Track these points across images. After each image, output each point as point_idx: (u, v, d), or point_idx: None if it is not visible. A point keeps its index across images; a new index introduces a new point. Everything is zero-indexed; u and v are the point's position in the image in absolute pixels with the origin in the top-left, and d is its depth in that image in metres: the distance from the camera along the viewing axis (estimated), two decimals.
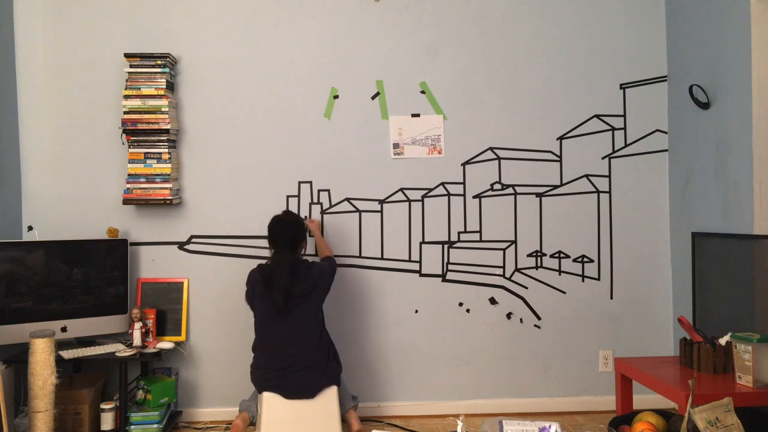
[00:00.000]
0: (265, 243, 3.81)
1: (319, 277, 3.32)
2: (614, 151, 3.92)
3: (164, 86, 3.61)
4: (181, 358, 3.77)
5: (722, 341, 2.81)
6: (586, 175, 3.92)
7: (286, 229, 3.38)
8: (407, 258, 3.88)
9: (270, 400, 3.19)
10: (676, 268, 3.87)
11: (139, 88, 3.62)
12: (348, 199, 3.85)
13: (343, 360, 3.83)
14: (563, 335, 3.91)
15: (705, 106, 3.49)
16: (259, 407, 3.28)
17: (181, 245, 3.79)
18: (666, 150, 3.92)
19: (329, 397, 3.23)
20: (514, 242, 3.90)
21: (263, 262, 3.41)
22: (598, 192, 3.92)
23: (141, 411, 3.43)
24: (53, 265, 3.47)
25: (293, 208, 3.83)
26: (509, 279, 3.90)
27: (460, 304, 3.89)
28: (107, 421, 3.40)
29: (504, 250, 3.90)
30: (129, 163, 3.64)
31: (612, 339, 3.92)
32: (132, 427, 3.39)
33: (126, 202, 3.63)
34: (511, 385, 3.89)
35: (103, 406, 3.40)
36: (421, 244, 3.88)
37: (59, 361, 3.09)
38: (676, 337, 3.87)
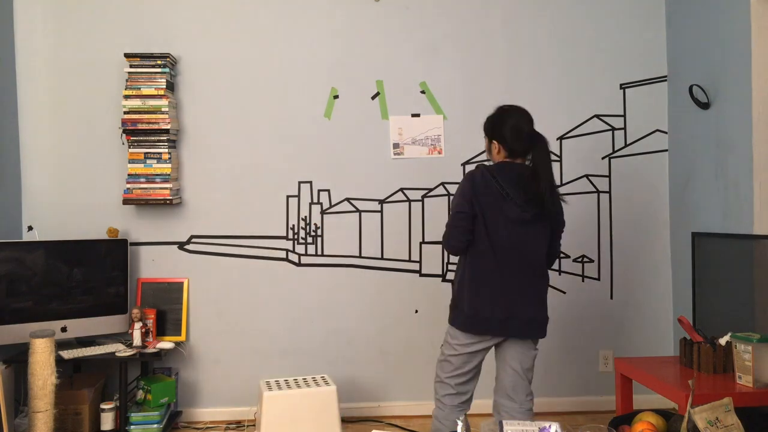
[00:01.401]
0: (265, 243, 3.81)
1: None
2: (614, 151, 3.92)
3: (164, 86, 3.61)
4: (181, 358, 3.77)
5: (722, 341, 2.80)
6: (586, 175, 3.92)
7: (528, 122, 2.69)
8: (407, 258, 3.88)
9: (270, 399, 3.18)
10: (676, 268, 3.87)
11: (139, 88, 3.62)
12: (348, 199, 3.85)
13: (344, 360, 3.83)
14: (563, 335, 3.91)
15: (705, 106, 3.49)
16: (258, 407, 3.28)
17: (181, 245, 3.79)
18: (666, 150, 3.92)
19: (329, 395, 3.22)
20: None
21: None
22: (598, 192, 3.92)
23: (141, 411, 3.43)
24: (53, 265, 3.47)
25: (293, 208, 3.83)
26: None
27: None
28: (107, 421, 3.40)
29: None
30: (129, 163, 3.64)
31: (612, 339, 3.92)
32: (132, 427, 3.39)
33: (126, 202, 3.63)
34: None
35: (103, 406, 3.41)
36: (421, 244, 3.88)
37: (59, 361, 3.09)
38: (676, 337, 3.87)
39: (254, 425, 3.63)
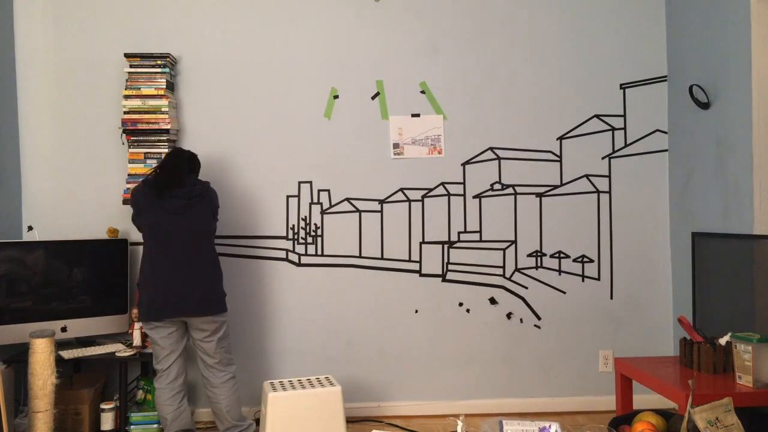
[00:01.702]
0: (265, 243, 3.81)
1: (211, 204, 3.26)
2: (614, 151, 3.92)
3: (164, 86, 3.61)
4: None
5: (722, 341, 2.81)
6: (586, 175, 3.92)
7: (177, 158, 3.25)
8: (407, 258, 3.88)
9: (275, 400, 3.18)
10: (676, 268, 3.87)
11: (139, 88, 3.62)
12: (348, 199, 3.85)
13: (344, 360, 3.83)
14: (563, 335, 3.91)
15: (705, 106, 3.49)
16: (263, 407, 3.28)
17: None
18: (666, 150, 3.92)
19: (334, 395, 3.21)
20: (514, 242, 3.90)
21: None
22: (598, 192, 3.92)
23: (141, 411, 3.43)
24: (53, 265, 3.47)
25: (293, 208, 3.83)
26: (509, 279, 3.90)
27: (460, 304, 3.89)
28: (107, 421, 3.40)
29: (504, 250, 3.90)
30: (129, 163, 3.64)
31: (612, 339, 3.92)
32: (132, 427, 3.39)
33: (126, 202, 3.63)
34: (511, 385, 3.89)
35: (103, 406, 3.41)
36: (421, 244, 3.88)
37: (59, 361, 3.09)
38: (676, 337, 3.87)
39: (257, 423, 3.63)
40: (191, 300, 3.08)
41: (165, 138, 3.64)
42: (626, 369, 2.99)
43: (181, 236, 3.10)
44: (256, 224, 3.81)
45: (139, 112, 3.61)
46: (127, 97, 3.62)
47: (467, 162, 3.88)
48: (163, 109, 3.61)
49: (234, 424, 3.26)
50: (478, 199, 3.88)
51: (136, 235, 3.76)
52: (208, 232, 3.21)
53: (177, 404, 3.18)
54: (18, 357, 3.32)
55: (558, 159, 3.90)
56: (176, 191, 3.11)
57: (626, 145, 3.92)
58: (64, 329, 3.45)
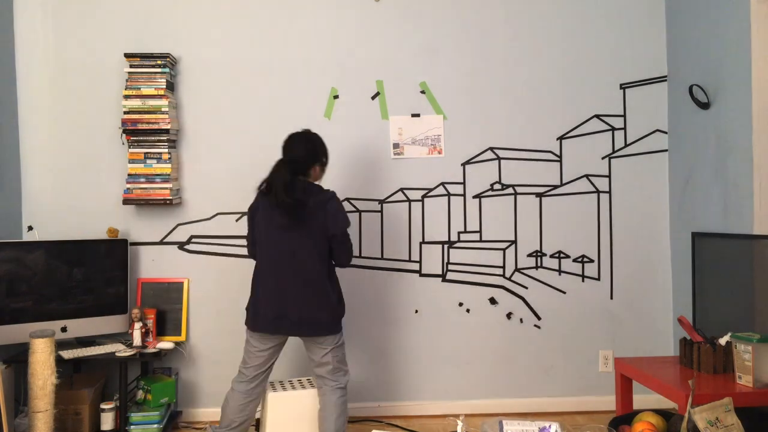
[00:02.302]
0: None
1: (333, 211, 2.95)
2: (614, 151, 3.92)
3: (164, 86, 3.61)
4: (181, 358, 3.77)
5: (722, 341, 2.80)
6: (586, 175, 3.92)
7: (290, 144, 3.04)
8: (407, 258, 3.88)
9: (274, 400, 3.19)
10: (676, 268, 3.87)
11: (139, 88, 3.62)
12: (348, 199, 3.85)
13: None
14: (563, 335, 3.91)
15: (705, 106, 3.49)
16: (263, 407, 3.28)
17: (181, 245, 3.79)
18: (666, 150, 3.92)
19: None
20: (514, 242, 3.90)
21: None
22: (598, 192, 3.92)
23: (141, 411, 3.43)
24: (53, 265, 3.47)
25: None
26: (509, 279, 3.90)
27: (460, 304, 3.89)
28: (107, 421, 3.40)
29: (504, 250, 3.90)
30: (129, 163, 3.64)
31: (612, 339, 3.92)
32: (132, 427, 3.39)
33: (126, 202, 3.63)
34: (511, 385, 3.89)
35: (103, 406, 3.41)
36: (421, 244, 3.88)
37: (59, 361, 3.09)
38: (676, 337, 3.87)
39: (255, 425, 3.63)
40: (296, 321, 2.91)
41: (165, 138, 3.64)
42: (626, 369, 2.99)
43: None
44: None
45: (139, 112, 3.61)
46: (127, 97, 3.62)
47: (467, 162, 3.88)
48: (163, 109, 3.61)
49: None
50: (478, 199, 3.88)
51: (136, 235, 3.77)
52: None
53: (249, 411, 3.03)
54: (18, 357, 3.32)
55: (558, 159, 3.90)
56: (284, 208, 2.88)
57: (626, 145, 3.92)
58: (64, 329, 3.45)
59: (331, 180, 3.83)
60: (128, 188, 3.63)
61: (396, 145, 3.85)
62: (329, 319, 2.94)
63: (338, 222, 2.95)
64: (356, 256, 3.85)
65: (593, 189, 3.92)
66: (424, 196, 3.87)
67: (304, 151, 3.04)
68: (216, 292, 3.80)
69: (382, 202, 3.86)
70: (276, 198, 2.88)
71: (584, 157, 3.91)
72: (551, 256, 3.91)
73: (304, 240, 2.89)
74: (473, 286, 3.89)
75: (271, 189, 2.91)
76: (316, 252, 2.91)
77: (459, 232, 3.89)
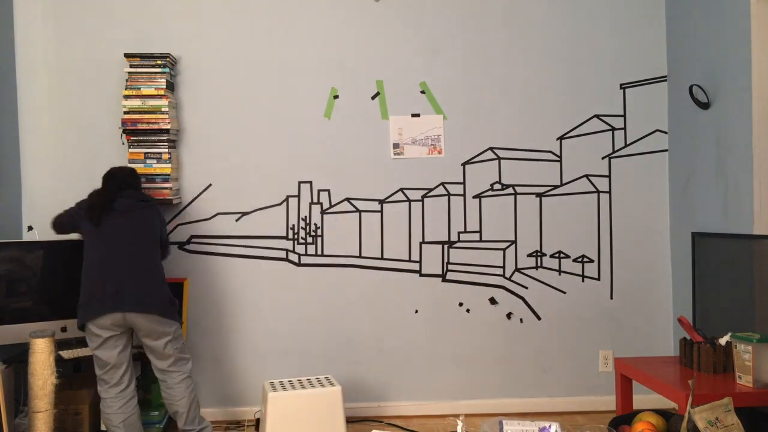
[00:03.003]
0: (265, 243, 3.81)
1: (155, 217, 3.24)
2: (614, 151, 3.92)
3: (164, 86, 3.61)
4: None
5: (722, 341, 2.80)
6: (586, 175, 3.92)
7: (112, 177, 3.25)
8: (407, 258, 3.88)
9: (275, 400, 3.18)
10: (676, 268, 3.87)
11: (139, 88, 3.61)
12: (348, 199, 3.85)
13: (344, 360, 3.83)
14: (563, 335, 3.91)
15: (705, 106, 3.49)
16: (263, 407, 3.28)
17: (181, 245, 3.79)
18: (666, 150, 3.92)
19: (334, 395, 3.21)
20: (514, 242, 3.90)
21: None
22: (598, 192, 3.92)
23: (141, 411, 3.42)
24: (53, 265, 3.46)
25: (293, 208, 3.83)
26: (509, 279, 3.90)
27: (460, 304, 3.89)
28: None
29: (504, 250, 3.90)
30: (129, 163, 3.64)
31: (612, 339, 3.92)
32: None
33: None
34: (511, 385, 3.89)
35: None
36: (421, 244, 3.88)
37: (59, 361, 3.09)
38: (676, 337, 3.87)
39: (254, 425, 3.63)
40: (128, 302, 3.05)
41: (165, 138, 3.64)
42: (626, 369, 2.99)
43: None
44: (256, 224, 3.81)
45: (139, 112, 3.61)
46: (127, 97, 3.62)
47: (467, 162, 3.88)
48: (163, 109, 3.61)
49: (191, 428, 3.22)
50: (478, 199, 3.88)
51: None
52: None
53: (130, 411, 3.13)
54: (18, 357, 3.31)
55: (558, 159, 3.90)
56: (110, 215, 3.12)
57: (626, 145, 3.92)
58: (64, 329, 3.44)
59: (331, 180, 3.84)
60: None
61: (396, 145, 3.85)
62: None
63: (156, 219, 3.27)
64: (356, 256, 3.85)
65: (593, 189, 3.92)
66: (424, 196, 3.87)
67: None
68: (216, 292, 3.79)
69: (382, 202, 3.86)
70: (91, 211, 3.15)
71: (584, 157, 3.91)
72: (551, 256, 3.91)
73: None
74: (473, 286, 3.89)
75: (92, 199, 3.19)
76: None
77: (459, 232, 3.89)
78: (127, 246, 3.11)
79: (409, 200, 3.87)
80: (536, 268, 3.91)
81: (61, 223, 3.28)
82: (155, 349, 3.12)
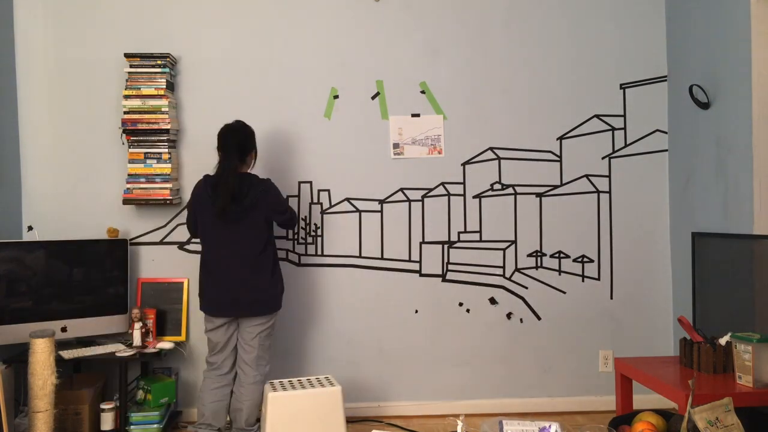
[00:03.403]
0: None
1: (263, 194, 3.20)
2: (614, 151, 3.92)
3: (164, 86, 3.61)
4: (181, 358, 3.77)
5: (722, 341, 2.80)
6: (586, 175, 3.92)
7: (235, 135, 3.25)
8: (407, 258, 3.88)
9: (275, 400, 3.17)
10: (676, 268, 3.87)
11: (139, 88, 3.62)
12: (348, 199, 3.85)
13: (344, 360, 3.84)
14: (563, 335, 3.91)
15: (705, 106, 3.49)
16: (263, 407, 3.28)
17: (181, 245, 3.79)
18: (666, 150, 3.92)
19: (334, 395, 3.21)
20: (514, 242, 3.90)
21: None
22: (598, 192, 3.92)
23: (141, 411, 3.43)
24: (53, 265, 3.47)
25: (293, 208, 3.83)
26: (509, 279, 3.90)
27: (460, 304, 3.89)
28: (107, 421, 3.40)
29: (504, 250, 3.90)
30: (129, 163, 3.64)
31: (612, 339, 3.92)
32: (132, 427, 3.39)
33: (126, 202, 3.63)
34: (511, 385, 3.89)
35: (103, 406, 3.40)
36: (421, 244, 3.88)
37: (59, 361, 3.09)
38: (676, 337, 3.87)
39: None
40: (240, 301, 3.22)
41: (165, 138, 3.64)
42: (626, 369, 2.99)
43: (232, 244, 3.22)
44: None
45: (139, 112, 3.61)
46: (127, 97, 3.62)
47: (467, 162, 3.88)
48: (163, 109, 3.61)
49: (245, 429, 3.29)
50: (478, 199, 3.88)
51: (136, 235, 3.76)
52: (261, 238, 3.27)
53: (221, 396, 3.28)
54: (18, 357, 3.32)
55: (558, 159, 3.90)
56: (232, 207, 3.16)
57: (626, 145, 3.92)
58: (64, 329, 3.45)
59: (331, 180, 3.84)
60: (128, 188, 3.63)
61: (396, 145, 3.85)
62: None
63: (279, 207, 3.30)
64: (356, 256, 3.86)
65: (593, 189, 3.92)
66: (424, 196, 3.87)
67: (243, 141, 3.28)
68: None
69: (382, 202, 3.86)
70: (221, 205, 3.13)
71: (584, 157, 3.91)
72: (551, 256, 3.91)
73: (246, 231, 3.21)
74: (473, 286, 3.89)
75: (217, 193, 3.15)
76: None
77: (459, 232, 3.89)
78: (243, 246, 3.19)
79: (409, 200, 3.87)
80: (536, 268, 3.91)
81: (189, 224, 3.34)
82: (245, 338, 3.27)
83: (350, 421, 3.69)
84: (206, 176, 3.28)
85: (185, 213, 3.78)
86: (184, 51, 3.79)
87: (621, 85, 3.92)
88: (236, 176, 3.16)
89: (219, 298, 3.20)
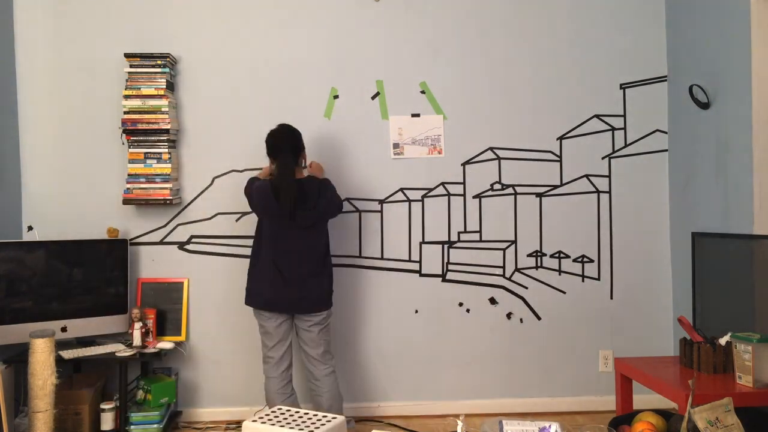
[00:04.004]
0: None
1: (324, 196, 3.28)
2: (614, 151, 3.92)
3: (164, 86, 3.61)
4: (181, 358, 3.77)
5: (722, 341, 2.80)
6: (586, 175, 3.92)
7: (288, 138, 3.29)
8: (407, 258, 3.88)
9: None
10: (676, 268, 3.87)
11: (139, 88, 3.62)
12: (348, 199, 3.85)
13: (344, 360, 3.84)
14: (563, 335, 3.91)
15: (705, 106, 3.49)
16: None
17: (181, 245, 3.79)
18: (666, 150, 3.92)
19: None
20: (514, 242, 3.90)
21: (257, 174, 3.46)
22: (598, 192, 3.92)
23: (141, 411, 3.43)
24: (53, 265, 3.47)
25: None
26: (509, 279, 3.90)
27: (460, 304, 3.89)
28: (107, 421, 3.40)
29: (504, 250, 3.90)
30: (129, 163, 3.64)
31: (612, 339, 3.92)
32: (132, 427, 3.39)
33: (126, 202, 3.64)
34: (511, 385, 3.89)
35: (103, 406, 3.41)
36: (421, 244, 3.88)
37: (59, 361, 3.09)
38: (676, 337, 3.87)
39: None
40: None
41: (165, 138, 3.64)
42: (626, 369, 2.99)
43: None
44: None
45: (139, 112, 3.61)
46: (127, 97, 3.62)
47: (467, 162, 3.88)
48: (163, 109, 3.61)
49: None
50: (478, 199, 3.88)
51: (136, 235, 3.76)
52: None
53: (290, 392, 3.32)
54: (18, 357, 3.32)
55: (558, 159, 3.90)
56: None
57: (626, 145, 3.92)
58: (64, 329, 3.45)
59: (331, 180, 3.83)
60: (128, 188, 3.63)
61: (396, 145, 3.85)
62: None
63: (336, 208, 3.40)
64: (356, 256, 3.86)
65: (593, 189, 3.92)
66: (424, 196, 3.87)
67: (296, 143, 3.33)
68: (216, 292, 3.80)
69: (382, 202, 3.86)
70: (287, 210, 3.17)
71: (584, 157, 3.91)
72: (551, 256, 3.91)
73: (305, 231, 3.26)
74: (473, 286, 3.89)
75: (279, 195, 3.17)
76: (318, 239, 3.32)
77: (459, 232, 3.89)
78: (304, 246, 3.25)
79: (409, 200, 3.87)
80: (536, 268, 3.91)
81: (251, 191, 3.34)
82: (307, 336, 3.30)
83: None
84: (254, 179, 3.38)
85: (185, 213, 3.79)
86: (184, 51, 3.79)
87: (621, 85, 3.92)
88: (298, 181, 3.22)
89: (276, 296, 3.23)
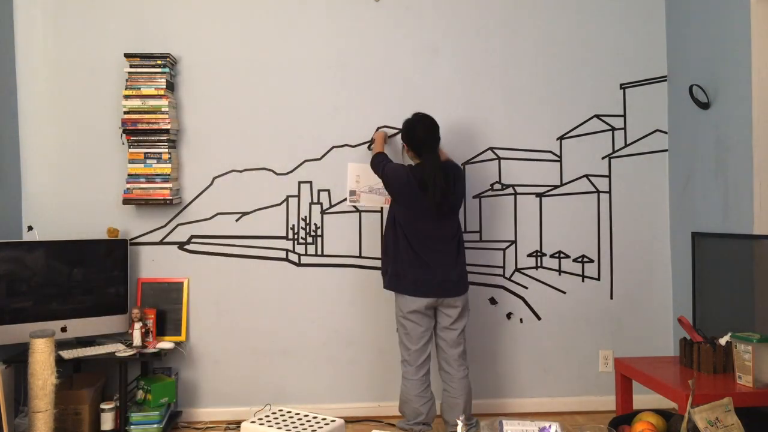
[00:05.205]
0: (265, 243, 3.81)
1: (461, 184, 3.43)
2: (614, 151, 3.92)
3: (164, 86, 3.61)
4: (181, 358, 3.77)
5: (722, 341, 2.81)
6: (586, 175, 3.92)
7: (436, 129, 3.35)
8: None
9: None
10: (676, 268, 3.87)
11: (139, 88, 3.62)
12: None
13: (344, 360, 3.84)
14: (563, 335, 3.91)
15: (705, 106, 3.49)
16: None
17: (181, 245, 3.79)
18: (666, 150, 3.92)
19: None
20: (514, 242, 3.90)
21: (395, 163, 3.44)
22: (598, 192, 3.92)
23: (141, 411, 3.43)
24: (53, 265, 3.47)
25: (293, 208, 3.83)
26: (509, 279, 3.90)
27: None
28: (107, 421, 3.40)
29: (504, 250, 3.90)
30: (129, 163, 3.64)
31: (612, 339, 3.92)
32: (132, 427, 3.39)
33: (126, 202, 3.64)
34: (511, 385, 3.89)
35: (103, 406, 3.41)
36: None
37: (59, 361, 3.09)
38: (676, 337, 3.87)
39: None
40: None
41: (165, 138, 3.64)
42: (626, 369, 2.99)
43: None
44: (256, 224, 3.81)
45: (139, 112, 3.61)
46: (127, 97, 3.62)
47: (467, 162, 3.88)
48: (163, 109, 3.61)
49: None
50: (478, 199, 3.88)
51: (136, 235, 3.76)
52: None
53: (429, 395, 3.34)
54: (18, 357, 3.32)
55: (558, 159, 3.90)
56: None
57: (626, 145, 3.92)
58: (64, 329, 3.45)
59: (331, 180, 3.83)
60: (128, 188, 3.63)
61: (352, 192, 3.84)
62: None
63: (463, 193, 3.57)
64: (356, 256, 3.86)
65: (593, 189, 3.92)
66: None
67: (438, 133, 3.39)
68: (216, 292, 3.80)
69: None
70: (433, 201, 3.23)
71: (584, 157, 3.91)
72: (551, 256, 3.91)
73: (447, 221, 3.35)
74: (473, 286, 3.88)
75: (427, 189, 3.23)
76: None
77: None
78: (447, 233, 3.32)
79: None
80: (536, 268, 3.91)
81: (385, 174, 3.36)
82: (449, 330, 3.32)
83: (350, 421, 3.69)
84: (410, 167, 3.35)
85: (185, 213, 3.79)
86: (184, 51, 3.79)
87: (621, 85, 3.92)
88: (443, 170, 3.28)
89: (426, 279, 3.25)
